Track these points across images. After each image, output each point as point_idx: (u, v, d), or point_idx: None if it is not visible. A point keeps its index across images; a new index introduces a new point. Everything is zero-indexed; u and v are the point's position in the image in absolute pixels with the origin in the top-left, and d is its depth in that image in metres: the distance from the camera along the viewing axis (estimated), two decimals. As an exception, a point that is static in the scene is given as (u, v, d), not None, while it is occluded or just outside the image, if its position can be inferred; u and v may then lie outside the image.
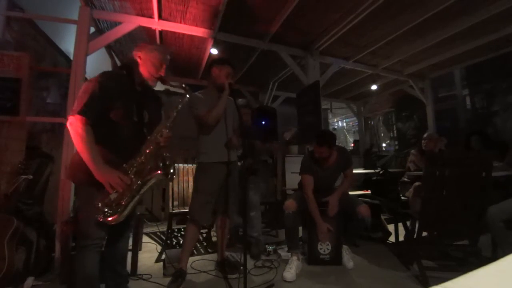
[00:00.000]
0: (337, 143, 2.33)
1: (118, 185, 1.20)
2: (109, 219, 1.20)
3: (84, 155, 1.19)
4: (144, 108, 1.41)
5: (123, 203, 1.22)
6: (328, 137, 2.16)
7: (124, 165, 1.27)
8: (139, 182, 1.27)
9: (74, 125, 1.19)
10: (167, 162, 1.32)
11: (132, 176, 1.26)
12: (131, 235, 1.86)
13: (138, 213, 2.20)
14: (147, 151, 1.30)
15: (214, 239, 2.69)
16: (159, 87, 1.49)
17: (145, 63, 1.37)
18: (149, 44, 1.45)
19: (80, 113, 1.19)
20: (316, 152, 2.19)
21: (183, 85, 1.48)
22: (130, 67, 1.39)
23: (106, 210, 1.20)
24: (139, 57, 1.38)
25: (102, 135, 1.25)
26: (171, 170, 1.32)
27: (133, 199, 1.25)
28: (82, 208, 1.32)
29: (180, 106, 1.42)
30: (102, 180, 1.19)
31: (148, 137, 1.33)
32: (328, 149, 2.15)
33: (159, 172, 1.29)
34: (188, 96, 1.47)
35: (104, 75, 1.30)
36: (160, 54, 1.39)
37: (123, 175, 1.23)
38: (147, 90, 1.47)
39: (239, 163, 2.16)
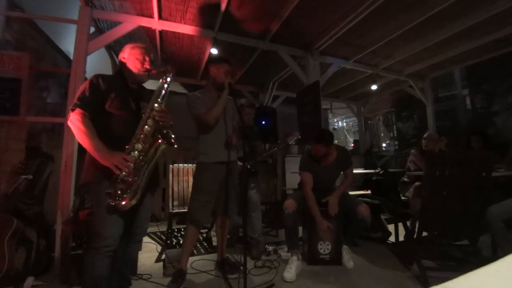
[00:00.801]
0: (337, 143, 2.33)
1: (123, 165, 1.22)
2: (122, 203, 1.21)
3: (86, 144, 1.24)
4: (142, 100, 1.45)
5: (130, 180, 1.24)
6: (325, 135, 2.17)
7: (126, 146, 1.29)
8: (141, 157, 1.29)
9: (73, 120, 1.25)
10: (165, 131, 1.34)
11: (136, 154, 1.28)
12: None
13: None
14: (145, 127, 1.32)
15: (214, 240, 2.69)
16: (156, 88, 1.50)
17: (130, 60, 1.44)
18: (129, 43, 1.52)
19: (75, 106, 1.27)
20: (313, 150, 2.20)
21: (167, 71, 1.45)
22: (120, 69, 1.48)
23: (118, 192, 1.22)
24: (124, 57, 1.46)
25: (102, 126, 1.29)
26: (172, 136, 1.34)
27: (142, 177, 1.27)
28: (94, 206, 1.33)
29: (169, 79, 1.42)
30: (107, 163, 1.21)
31: (142, 115, 1.35)
32: (325, 147, 2.16)
33: (159, 141, 1.31)
34: (171, 72, 1.44)
35: (95, 75, 1.37)
36: (140, 49, 1.47)
37: (126, 155, 1.25)
38: (143, 88, 1.54)
39: (239, 163, 2.16)
